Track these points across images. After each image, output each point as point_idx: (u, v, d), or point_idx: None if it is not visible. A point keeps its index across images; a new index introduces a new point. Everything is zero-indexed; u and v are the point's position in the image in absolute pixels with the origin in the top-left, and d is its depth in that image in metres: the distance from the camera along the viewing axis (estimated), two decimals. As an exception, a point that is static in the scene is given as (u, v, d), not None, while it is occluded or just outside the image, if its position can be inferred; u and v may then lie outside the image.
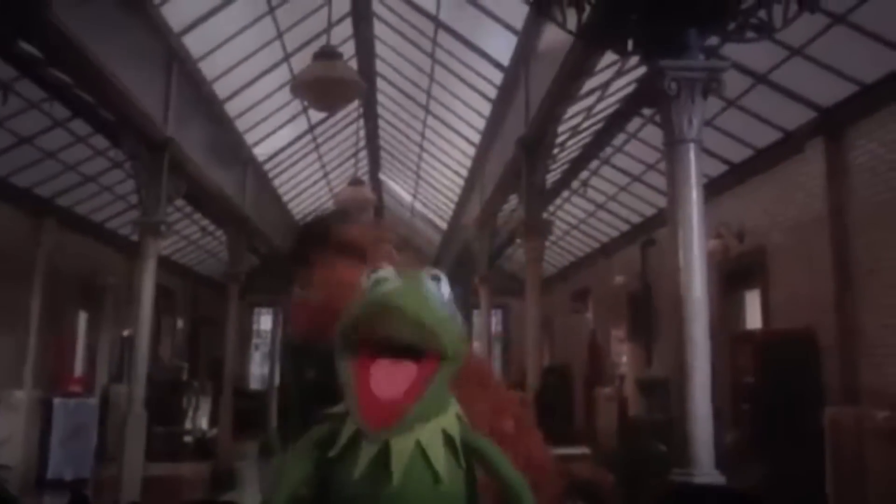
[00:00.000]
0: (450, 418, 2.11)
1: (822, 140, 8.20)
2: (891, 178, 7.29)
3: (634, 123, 10.19)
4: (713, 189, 10.67)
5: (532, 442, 2.16)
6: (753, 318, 9.96)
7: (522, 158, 8.72)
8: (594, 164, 11.89)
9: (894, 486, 6.55)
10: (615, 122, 10.05)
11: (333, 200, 14.45)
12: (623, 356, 13.67)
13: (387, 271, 2.10)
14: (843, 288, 7.83)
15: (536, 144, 8.55)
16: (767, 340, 8.45)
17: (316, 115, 13.07)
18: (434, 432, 2.08)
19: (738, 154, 9.82)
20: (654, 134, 10.20)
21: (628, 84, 9.13)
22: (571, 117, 9.83)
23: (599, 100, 9.71)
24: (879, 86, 7.39)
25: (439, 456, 2.07)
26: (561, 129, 10.06)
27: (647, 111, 9.50)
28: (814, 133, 8.33)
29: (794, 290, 8.73)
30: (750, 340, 8.60)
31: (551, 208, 13.82)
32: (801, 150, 8.58)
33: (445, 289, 2.09)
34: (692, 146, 4.51)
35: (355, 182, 11.88)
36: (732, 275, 10.06)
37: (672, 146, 4.54)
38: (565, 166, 12.03)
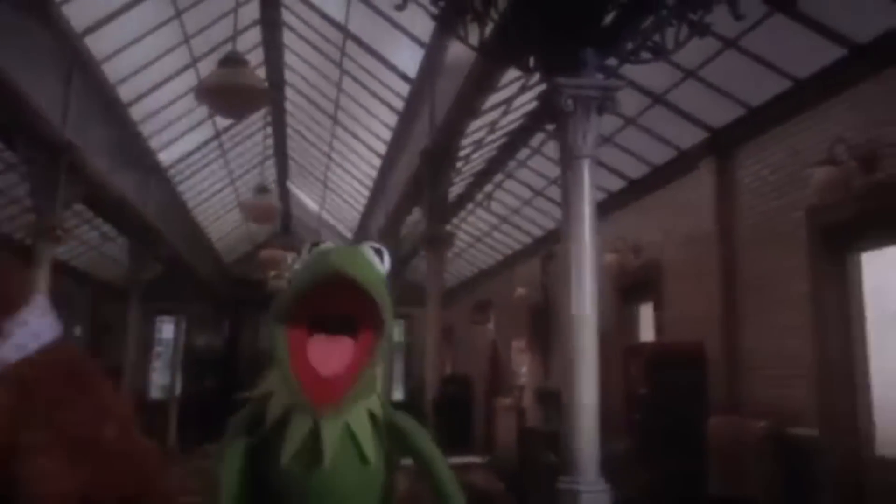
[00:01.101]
0: (374, 399, 2.09)
1: (713, 160, 8.54)
2: (772, 199, 7.64)
3: (538, 138, 10.42)
4: (612, 204, 11.03)
5: (140, 449, 1.82)
6: (648, 331, 10.29)
7: (425, 171, 8.84)
8: (499, 177, 12.11)
9: (770, 491, 6.89)
10: (519, 136, 10.27)
11: (239, 208, 14.34)
12: (523, 367, 13.90)
13: (327, 244, 2.07)
14: (728, 304, 8.17)
15: (440, 157, 8.69)
16: (658, 353, 8.74)
17: (222, 122, 12.94)
18: (361, 413, 2.05)
19: (637, 171, 10.15)
20: (556, 149, 10.47)
21: (532, 100, 9.32)
22: (476, 130, 10.02)
23: (504, 114, 9.91)
24: (765, 109, 7.72)
25: (367, 437, 2.05)
26: (466, 142, 10.24)
27: (549, 127, 9.77)
28: (705, 153, 8.65)
29: (684, 305, 9.07)
30: (641, 353, 8.88)
31: (456, 220, 14.01)
32: (693, 169, 8.92)
33: (386, 262, 2.08)
34: (587, 162, 4.66)
35: (261, 190, 11.83)
36: (628, 288, 10.38)
37: (567, 161, 4.69)
38: (470, 179, 12.22)
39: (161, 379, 20.81)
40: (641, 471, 7.74)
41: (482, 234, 15.00)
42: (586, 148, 4.66)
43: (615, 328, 10.72)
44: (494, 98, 8.42)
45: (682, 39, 4.77)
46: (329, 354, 1.97)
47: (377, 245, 2.11)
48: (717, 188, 8.46)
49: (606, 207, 11.33)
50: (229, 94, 6.96)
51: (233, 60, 7.10)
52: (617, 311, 10.65)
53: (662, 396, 8.28)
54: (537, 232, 13.46)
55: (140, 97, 11.24)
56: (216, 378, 18.76)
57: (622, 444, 8.12)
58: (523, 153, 11.08)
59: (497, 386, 14.86)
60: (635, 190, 10.34)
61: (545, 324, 12.65)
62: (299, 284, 2.05)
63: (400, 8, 4.92)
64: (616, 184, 10.67)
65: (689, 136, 8.87)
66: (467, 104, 7.55)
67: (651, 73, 8.08)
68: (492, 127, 10.12)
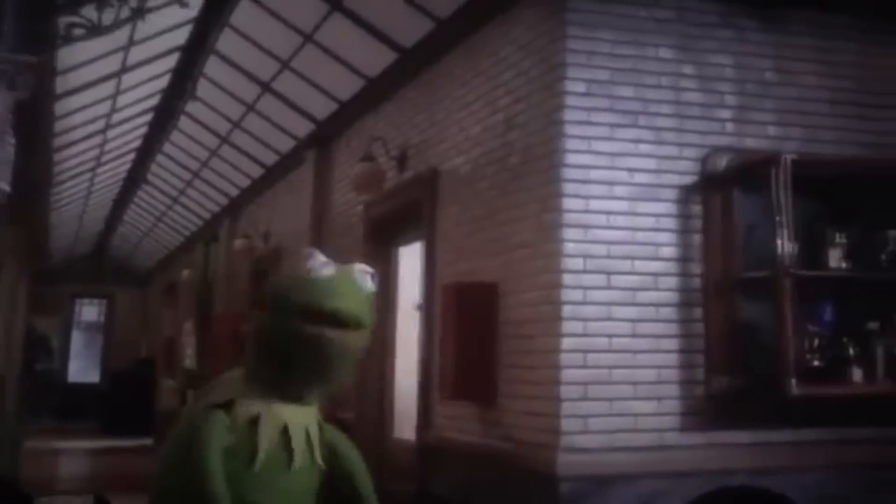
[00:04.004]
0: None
1: (315, 151, 8.74)
2: (348, 192, 7.87)
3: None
4: (250, 192, 11.17)
5: None
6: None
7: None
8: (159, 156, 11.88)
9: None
10: (158, 114, 10.16)
11: None
12: (189, 349, 13.73)
13: (324, 259, 2.46)
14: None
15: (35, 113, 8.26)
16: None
17: None
18: (312, 415, 2.44)
19: (269, 158, 10.23)
20: (195, 129, 10.41)
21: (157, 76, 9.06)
22: (127, 107, 9.62)
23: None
24: (350, 104, 7.91)
25: (317, 438, 2.41)
26: (119, 117, 9.85)
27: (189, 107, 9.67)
28: (311, 144, 8.83)
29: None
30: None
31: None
32: (304, 160, 9.09)
33: (374, 284, 2.57)
34: (-8, 138, 4.54)
35: None
36: (257, 274, 10.47)
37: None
38: (132, 155, 11.95)
39: None
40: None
41: (161, 213, 14.67)
42: (-6, 122, 4.54)
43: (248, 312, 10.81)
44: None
45: (122, 18, 4.80)
46: None
47: (369, 270, 2.55)
48: (314, 179, 8.67)
49: (245, 194, 11.46)
50: None
51: None
52: (248, 295, 10.75)
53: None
54: (206, 214, 13.33)
55: None
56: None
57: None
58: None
59: (170, 368, 14.63)
60: (269, 177, 10.45)
61: (206, 306, 12.58)
62: (315, 287, 2.43)
63: None
64: (256, 171, 10.73)
65: (302, 128, 9.02)
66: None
67: (258, 61, 8.22)
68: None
